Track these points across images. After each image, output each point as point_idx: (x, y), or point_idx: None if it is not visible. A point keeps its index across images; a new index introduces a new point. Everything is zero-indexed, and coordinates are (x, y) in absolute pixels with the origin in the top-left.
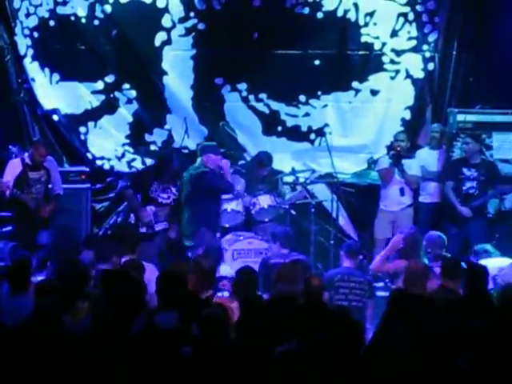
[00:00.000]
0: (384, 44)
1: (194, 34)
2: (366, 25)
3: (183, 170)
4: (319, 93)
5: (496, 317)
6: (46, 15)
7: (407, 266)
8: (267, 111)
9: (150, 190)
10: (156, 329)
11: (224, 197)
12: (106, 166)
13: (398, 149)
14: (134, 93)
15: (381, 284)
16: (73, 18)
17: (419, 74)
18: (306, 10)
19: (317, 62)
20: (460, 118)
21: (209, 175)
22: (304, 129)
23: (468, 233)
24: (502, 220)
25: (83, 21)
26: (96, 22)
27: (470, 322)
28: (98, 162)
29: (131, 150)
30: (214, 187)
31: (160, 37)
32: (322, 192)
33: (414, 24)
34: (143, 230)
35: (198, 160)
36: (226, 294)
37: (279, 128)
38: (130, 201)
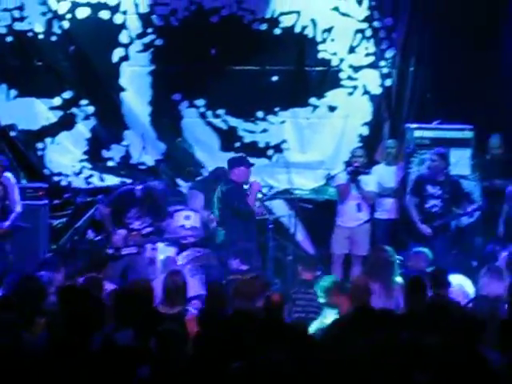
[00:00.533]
0: (341, 60)
1: (151, 49)
2: (324, 41)
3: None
4: (277, 109)
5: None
6: (4, 31)
7: (352, 281)
8: (225, 127)
9: (126, 215)
10: (113, 346)
11: (182, 213)
12: (64, 182)
13: (356, 164)
14: (91, 109)
15: None
16: (30, 34)
17: (377, 90)
18: (264, 26)
19: (274, 78)
20: (417, 134)
21: (230, 194)
22: (262, 145)
23: (431, 250)
24: (459, 237)
25: (41, 37)
26: (53, 38)
27: (427, 337)
28: (56, 178)
29: (89, 166)
30: (233, 208)
31: (118, 53)
32: (279, 208)
33: (371, 40)
34: (110, 251)
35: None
36: None
37: (237, 144)
38: (106, 220)
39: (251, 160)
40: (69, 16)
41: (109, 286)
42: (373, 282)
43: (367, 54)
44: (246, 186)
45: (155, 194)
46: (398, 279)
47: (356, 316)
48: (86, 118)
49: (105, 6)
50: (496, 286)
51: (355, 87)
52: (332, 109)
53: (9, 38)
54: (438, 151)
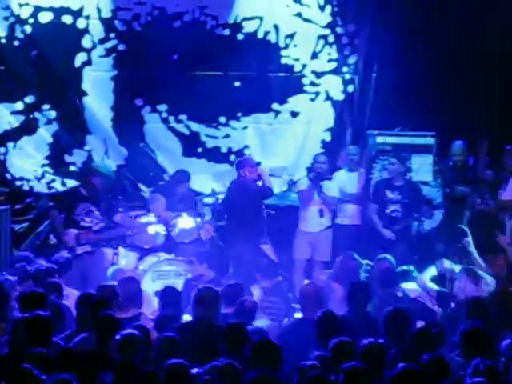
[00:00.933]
0: (304, 66)
1: (114, 54)
2: (287, 47)
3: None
4: (239, 114)
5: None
6: None
7: (300, 289)
8: (187, 132)
9: (73, 212)
10: (72, 351)
11: (142, 219)
12: (26, 187)
13: (319, 170)
14: (53, 113)
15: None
16: None
17: (339, 96)
18: (227, 32)
19: (237, 84)
20: (379, 140)
21: (237, 184)
22: (224, 150)
23: (393, 255)
24: (420, 242)
25: (3, 41)
26: (16, 43)
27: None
28: (18, 183)
29: (51, 170)
30: (248, 193)
31: (80, 57)
32: None
33: (334, 46)
34: (65, 252)
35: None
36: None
37: (199, 149)
38: (54, 222)
39: (214, 165)
40: (31, 20)
41: (68, 291)
42: (339, 286)
43: (330, 60)
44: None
45: (98, 188)
46: None
47: (317, 322)
48: (48, 122)
49: (67, 11)
50: (472, 288)
51: (318, 93)
52: (294, 114)
53: None
54: (396, 156)
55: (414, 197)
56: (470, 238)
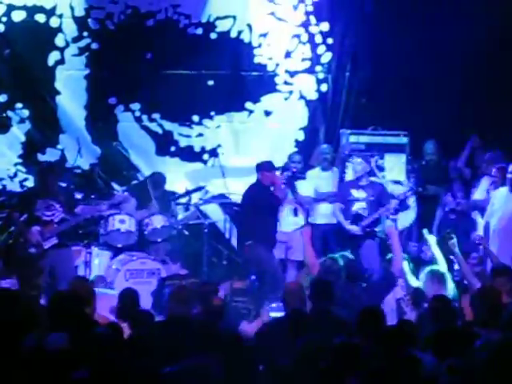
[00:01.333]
0: (277, 65)
1: (87, 53)
2: (260, 46)
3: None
4: (212, 113)
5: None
6: None
7: (285, 286)
8: (160, 131)
9: (34, 208)
10: (45, 349)
11: (117, 217)
12: None
13: (294, 170)
14: (26, 112)
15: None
16: None
17: (312, 96)
18: (200, 31)
19: (210, 83)
20: (352, 139)
21: (253, 190)
22: (197, 149)
23: (360, 254)
24: None
25: None
26: None
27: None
28: None
29: (23, 169)
30: (260, 201)
31: (53, 56)
32: (214, 212)
33: (307, 45)
34: (32, 250)
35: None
36: None
37: (172, 148)
38: (17, 223)
39: (187, 164)
40: (4, 19)
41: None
42: None
43: (303, 59)
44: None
45: (43, 172)
46: None
47: (289, 320)
48: (21, 121)
49: (41, 10)
50: (437, 289)
51: (291, 92)
52: (268, 113)
53: None
54: (361, 155)
55: (379, 195)
56: (455, 240)
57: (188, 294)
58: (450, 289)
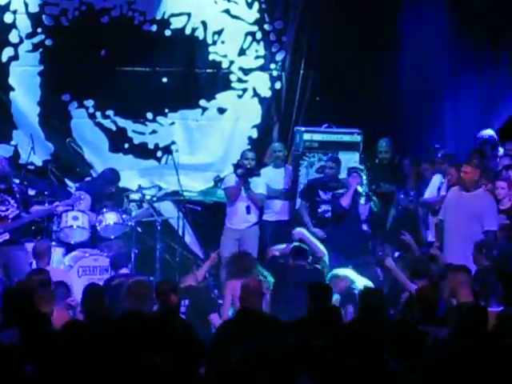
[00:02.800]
0: (232, 62)
1: (41, 49)
2: (214, 43)
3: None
4: (166, 110)
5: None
6: None
7: (242, 283)
8: (114, 128)
9: None
10: None
11: (70, 214)
12: None
13: (248, 167)
14: None
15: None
16: None
17: (266, 93)
18: (154, 28)
19: (164, 80)
20: (306, 137)
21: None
22: (151, 146)
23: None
24: None
25: None
26: None
27: (311, 339)
28: None
29: None
30: None
31: (7, 52)
32: (168, 210)
33: (261, 43)
34: None
35: None
36: None
37: (126, 145)
38: None
39: (140, 161)
40: None
41: None
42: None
43: (257, 57)
44: None
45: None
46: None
47: (241, 319)
48: None
49: None
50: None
51: (245, 90)
52: (222, 111)
53: None
54: (334, 158)
55: None
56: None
57: (144, 290)
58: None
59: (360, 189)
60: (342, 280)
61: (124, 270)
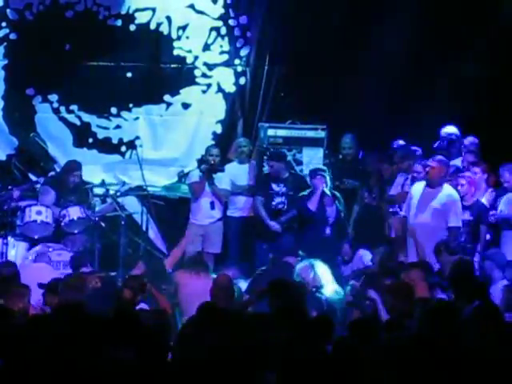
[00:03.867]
0: (196, 57)
1: (5, 43)
2: (179, 38)
3: None
4: (131, 105)
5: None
6: None
7: (214, 280)
8: (78, 123)
9: None
10: None
11: (33, 208)
12: None
13: (213, 162)
14: None
15: None
16: None
17: (231, 89)
18: (119, 22)
19: (129, 75)
20: (271, 132)
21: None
22: (115, 141)
23: (278, 247)
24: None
25: None
26: None
27: (276, 335)
28: None
29: None
30: None
31: None
32: (132, 204)
33: (226, 38)
34: None
35: None
36: None
37: (90, 140)
38: None
39: (104, 156)
40: None
41: None
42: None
43: (222, 52)
44: None
45: None
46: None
47: (202, 316)
48: None
49: None
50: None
51: (209, 85)
52: (186, 106)
53: None
54: (274, 155)
55: (299, 188)
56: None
57: (80, 282)
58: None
59: (327, 191)
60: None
61: (84, 269)
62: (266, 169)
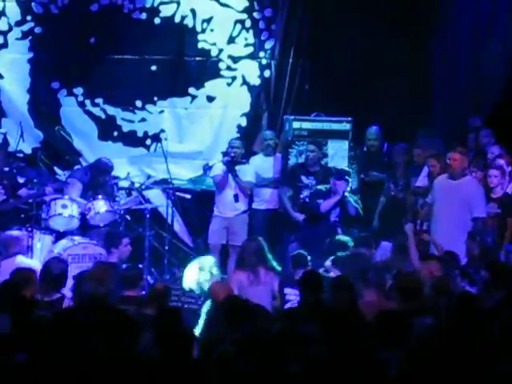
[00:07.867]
0: (221, 50)
1: (30, 37)
2: (203, 31)
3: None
4: (155, 98)
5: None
6: None
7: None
8: (103, 116)
9: None
10: None
11: (59, 202)
12: None
13: (232, 154)
14: None
15: None
16: None
17: (255, 81)
18: (144, 16)
19: (153, 68)
20: (296, 125)
21: None
22: (140, 134)
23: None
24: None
25: None
26: None
27: (301, 327)
28: None
29: None
30: None
31: None
32: (157, 198)
33: (250, 31)
34: None
35: None
36: None
37: (115, 133)
38: None
39: (129, 149)
40: None
41: None
42: (241, 271)
43: (246, 45)
44: None
45: None
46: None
47: (226, 308)
48: None
49: None
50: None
51: (234, 78)
52: (210, 99)
53: None
54: (313, 141)
55: (327, 182)
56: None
57: (104, 274)
58: None
59: (351, 198)
60: None
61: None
62: (292, 161)
